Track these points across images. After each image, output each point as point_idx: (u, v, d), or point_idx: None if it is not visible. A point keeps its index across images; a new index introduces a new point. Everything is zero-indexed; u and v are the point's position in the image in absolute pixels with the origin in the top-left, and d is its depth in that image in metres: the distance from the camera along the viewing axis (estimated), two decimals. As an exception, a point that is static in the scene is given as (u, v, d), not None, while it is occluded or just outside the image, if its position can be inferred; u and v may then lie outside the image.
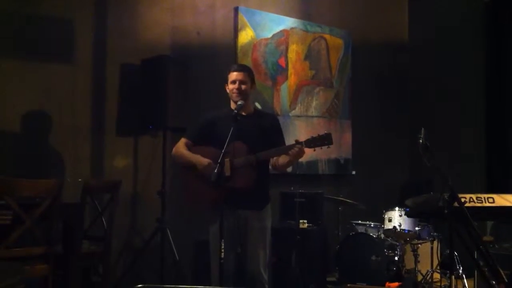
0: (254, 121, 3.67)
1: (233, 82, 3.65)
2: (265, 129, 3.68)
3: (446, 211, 3.17)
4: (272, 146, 3.56)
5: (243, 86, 3.64)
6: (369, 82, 6.58)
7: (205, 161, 3.56)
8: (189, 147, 3.71)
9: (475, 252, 3.63)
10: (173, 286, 2.13)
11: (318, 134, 3.47)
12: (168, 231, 4.48)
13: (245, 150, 3.51)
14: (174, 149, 3.78)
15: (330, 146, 3.47)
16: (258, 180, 3.54)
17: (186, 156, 3.67)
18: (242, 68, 3.74)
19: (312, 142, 3.47)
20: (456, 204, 3.16)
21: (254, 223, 3.63)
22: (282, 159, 3.58)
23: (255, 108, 3.83)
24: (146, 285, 2.04)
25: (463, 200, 3.25)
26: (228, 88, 3.70)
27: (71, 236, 3.68)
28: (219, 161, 3.28)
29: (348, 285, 2.42)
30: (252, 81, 3.74)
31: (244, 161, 3.49)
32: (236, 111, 3.50)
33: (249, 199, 3.55)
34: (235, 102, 3.63)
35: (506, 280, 3.15)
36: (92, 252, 3.91)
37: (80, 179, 4.03)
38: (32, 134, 4.39)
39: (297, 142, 3.46)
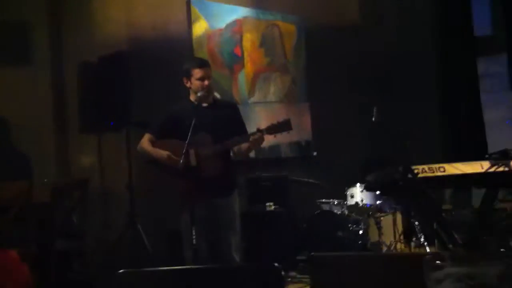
0: (215, 111, 3.77)
1: (201, 79, 3.72)
2: (226, 118, 3.78)
3: (401, 183, 3.36)
4: (233, 135, 3.67)
5: (207, 81, 3.73)
6: (324, 65, 6.73)
7: (164, 153, 3.66)
8: (153, 142, 3.79)
9: (434, 220, 3.85)
10: (153, 269, 2.24)
11: (278, 121, 3.61)
12: (139, 224, 4.56)
13: (208, 140, 3.62)
14: (138, 145, 3.86)
15: (290, 131, 3.61)
16: (223, 168, 3.66)
17: (148, 151, 3.77)
18: (206, 63, 3.83)
19: (272, 129, 3.60)
20: (410, 175, 3.36)
21: (224, 210, 3.76)
22: (244, 146, 3.71)
23: (215, 98, 3.94)
24: (127, 269, 2.13)
25: (416, 171, 3.43)
26: (191, 84, 3.76)
27: (44, 236, 3.73)
28: (183, 152, 3.38)
29: (312, 253, 2.58)
30: (211, 73, 3.85)
31: (209, 151, 3.60)
32: (196, 102, 3.62)
33: (217, 186, 3.66)
34: (200, 96, 3.70)
35: (460, 243, 3.36)
36: (67, 250, 3.97)
37: (45, 179, 4.06)
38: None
39: (258, 130, 3.59)
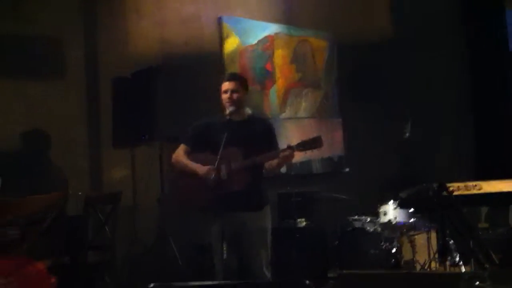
0: (247, 126, 3.77)
1: (225, 92, 3.74)
2: (258, 134, 3.78)
3: (435, 200, 3.29)
4: (265, 150, 3.67)
5: (234, 95, 3.73)
6: (355, 80, 6.69)
7: (205, 168, 3.64)
8: (187, 154, 3.80)
9: (470, 239, 3.75)
10: (183, 283, 2.23)
11: (309, 138, 3.61)
12: (170, 237, 4.57)
13: (239, 155, 3.61)
14: (173, 157, 3.87)
15: (320, 148, 3.60)
16: (254, 183, 3.65)
17: (184, 162, 3.77)
18: (233, 77, 3.84)
19: (302, 146, 3.60)
20: (445, 193, 3.28)
21: (253, 224, 3.73)
22: (274, 162, 3.69)
23: (249, 114, 3.92)
24: (158, 283, 2.13)
25: (451, 189, 3.35)
26: (221, 97, 3.78)
27: (76, 248, 3.76)
28: (215, 166, 3.41)
29: (343, 271, 2.53)
30: (245, 88, 3.83)
31: (239, 165, 3.59)
32: (228, 117, 3.63)
33: (247, 201, 3.66)
34: (227, 109, 3.72)
35: (497, 262, 3.27)
36: (98, 262, 3.99)
37: (80, 193, 4.12)
38: (31, 152, 4.47)
39: (288, 146, 3.59)
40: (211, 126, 3.81)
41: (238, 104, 3.74)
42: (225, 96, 3.74)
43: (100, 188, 4.74)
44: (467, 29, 6.62)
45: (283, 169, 5.75)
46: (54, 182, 4.50)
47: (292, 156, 3.60)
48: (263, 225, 3.78)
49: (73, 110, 4.73)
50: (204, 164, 3.66)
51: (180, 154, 3.83)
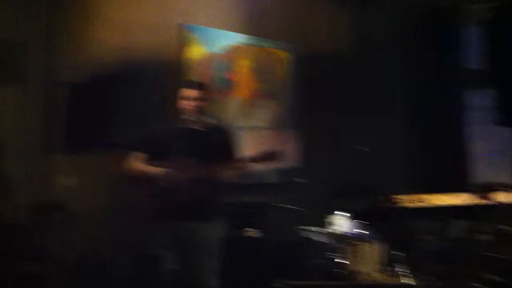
0: (204, 135, 3.78)
1: (187, 98, 3.74)
2: (214, 143, 3.79)
3: (381, 212, 3.39)
4: (222, 159, 3.71)
5: (198, 103, 3.75)
6: (312, 93, 6.78)
7: (162, 170, 3.65)
8: (143, 160, 3.79)
9: (414, 250, 3.85)
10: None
11: (264, 151, 3.67)
12: (117, 246, 4.54)
13: (191, 164, 3.62)
14: (127, 164, 3.85)
15: (274, 161, 3.67)
16: (203, 192, 3.67)
17: (142, 168, 3.76)
18: (198, 86, 3.84)
19: (256, 159, 3.66)
20: (390, 205, 3.38)
21: (200, 234, 3.76)
22: (227, 173, 3.73)
23: (207, 122, 3.91)
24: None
25: (396, 201, 3.44)
26: (179, 104, 3.78)
27: (15, 257, 3.69)
28: (165, 175, 3.47)
29: (287, 281, 2.57)
30: (206, 96, 3.85)
31: (189, 175, 3.61)
32: (184, 124, 3.66)
33: (196, 211, 3.69)
34: (185, 117, 3.75)
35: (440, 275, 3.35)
36: (34, 274, 3.90)
37: (26, 199, 4.08)
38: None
39: (241, 158, 3.66)
40: (165, 133, 3.80)
41: (200, 113, 3.75)
42: (186, 103, 3.73)
43: (46, 195, 4.68)
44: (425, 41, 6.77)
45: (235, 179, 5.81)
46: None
47: (245, 167, 3.66)
48: (210, 234, 3.81)
49: (24, 115, 4.68)
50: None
51: (135, 160, 3.79)
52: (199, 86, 3.88)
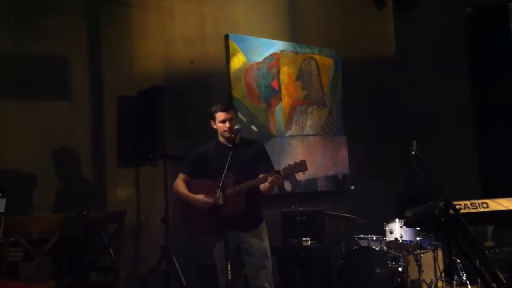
0: (240, 151, 3.90)
1: (223, 121, 3.95)
2: (249, 158, 3.96)
3: (442, 219, 3.26)
4: (259, 172, 3.87)
5: (232, 123, 3.93)
6: (360, 98, 6.70)
7: (197, 197, 3.92)
8: (186, 181, 4.04)
9: (476, 258, 3.71)
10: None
11: (294, 162, 3.78)
12: (174, 257, 4.56)
13: (232, 180, 3.81)
14: (174, 186, 4.10)
15: (305, 172, 3.78)
16: (248, 205, 3.83)
17: (183, 194, 4.02)
18: (228, 107, 4.02)
19: (288, 170, 3.78)
20: (451, 211, 3.25)
21: (251, 242, 3.90)
22: (263, 186, 3.85)
23: (241, 138, 4.08)
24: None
25: (458, 207, 3.32)
26: (216, 126, 3.99)
27: (79, 269, 3.75)
28: (217, 194, 3.64)
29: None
30: (237, 115, 4.10)
31: (232, 190, 3.81)
32: (230, 145, 3.82)
33: (243, 222, 3.86)
34: (224, 137, 3.96)
35: (505, 282, 3.22)
36: (101, 283, 3.98)
37: (84, 212, 4.10)
38: (37, 172, 4.46)
39: (274, 171, 3.77)
40: (205, 152, 4.04)
41: (235, 131, 3.91)
42: (223, 125, 3.95)
43: (104, 208, 4.72)
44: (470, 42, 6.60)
45: (288, 188, 5.77)
46: (58, 202, 4.48)
47: (279, 180, 3.76)
48: (261, 241, 3.94)
49: (77, 129, 4.72)
50: (203, 191, 3.90)
51: (179, 183, 4.07)
52: (233, 107, 4.10)
